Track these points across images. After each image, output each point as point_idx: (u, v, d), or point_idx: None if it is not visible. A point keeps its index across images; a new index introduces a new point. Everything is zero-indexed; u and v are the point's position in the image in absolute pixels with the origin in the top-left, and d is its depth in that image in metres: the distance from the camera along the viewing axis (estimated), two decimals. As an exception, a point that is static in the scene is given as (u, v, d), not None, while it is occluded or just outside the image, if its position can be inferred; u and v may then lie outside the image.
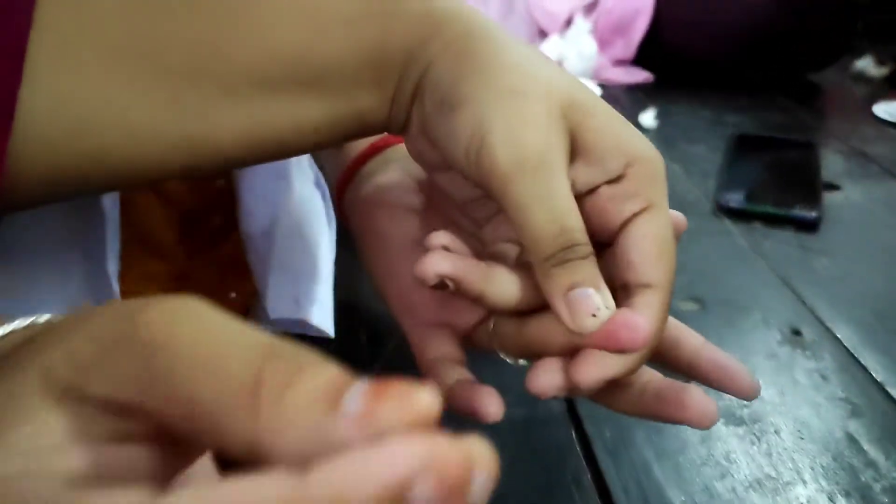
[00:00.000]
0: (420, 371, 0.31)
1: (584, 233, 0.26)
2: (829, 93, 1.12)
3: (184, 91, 0.24)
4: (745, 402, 0.47)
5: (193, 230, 0.44)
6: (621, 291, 0.27)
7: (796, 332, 0.54)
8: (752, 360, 0.51)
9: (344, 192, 0.36)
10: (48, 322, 0.19)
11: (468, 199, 0.31)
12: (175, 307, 0.16)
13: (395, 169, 0.34)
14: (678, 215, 0.31)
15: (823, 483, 0.41)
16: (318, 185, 0.44)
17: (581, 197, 0.27)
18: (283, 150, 0.28)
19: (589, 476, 0.41)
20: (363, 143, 0.37)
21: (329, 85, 0.27)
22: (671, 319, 0.30)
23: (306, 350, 0.15)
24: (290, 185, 0.40)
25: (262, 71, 0.25)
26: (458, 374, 0.29)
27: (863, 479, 0.41)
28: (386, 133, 0.30)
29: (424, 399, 0.14)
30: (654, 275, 0.26)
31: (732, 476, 0.41)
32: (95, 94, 0.23)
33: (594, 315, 0.25)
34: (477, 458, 0.13)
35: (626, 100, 1.01)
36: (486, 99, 0.26)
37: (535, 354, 0.28)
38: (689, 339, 0.30)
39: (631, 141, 0.27)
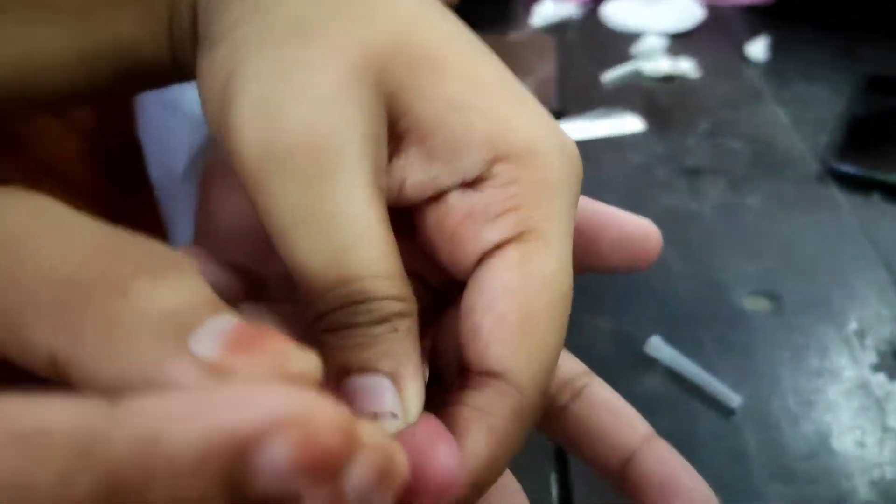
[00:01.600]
0: None
1: (391, 278, 0.15)
2: None
3: None
4: (800, 454, 0.35)
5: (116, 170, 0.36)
6: (461, 378, 0.16)
7: (899, 356, 0.41)
8: (828, 388, 0.39)
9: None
10: None
11: None
12: None
13: None
14: (645, 228, 0.19)
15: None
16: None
17: (420, 206, 0.17)
18: (16, 93, 0.19)
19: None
20: None
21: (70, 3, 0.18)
22: (599, 390, 0.19)
23: (171, 251, 0.12)
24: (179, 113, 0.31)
25: None
26: None
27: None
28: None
29: (302, 363, 0.11)
30: (508, 360, 0.15)
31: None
32: None
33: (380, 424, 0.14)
34: (369, 438, 0.10)
35: (736, 24, 0.84)
36: (248, 37, 0.16)
37: None
38: (623, 434, 0.18)
39: (506, 117, 0.16)
